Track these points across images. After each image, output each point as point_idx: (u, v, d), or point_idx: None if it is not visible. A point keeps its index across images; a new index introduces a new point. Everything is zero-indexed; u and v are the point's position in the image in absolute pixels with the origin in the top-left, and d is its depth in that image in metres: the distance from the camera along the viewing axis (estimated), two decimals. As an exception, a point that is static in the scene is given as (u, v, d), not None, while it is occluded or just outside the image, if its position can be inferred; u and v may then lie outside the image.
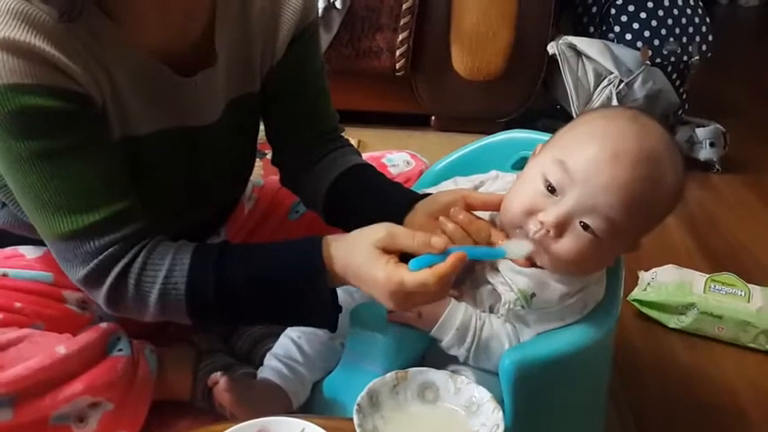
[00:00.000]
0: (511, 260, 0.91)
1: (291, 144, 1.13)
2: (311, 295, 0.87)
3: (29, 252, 1.03)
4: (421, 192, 1.09)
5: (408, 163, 1.37)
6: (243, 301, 0.88)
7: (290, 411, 0.97)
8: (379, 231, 0.84)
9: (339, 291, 1.04)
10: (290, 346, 1.01)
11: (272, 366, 1.00)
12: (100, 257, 0.85)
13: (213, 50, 0.97)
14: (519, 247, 0.87)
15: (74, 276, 0.88)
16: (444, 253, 0.81)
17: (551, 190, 0.86)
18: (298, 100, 1.10)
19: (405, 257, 0.83)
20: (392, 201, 1.01)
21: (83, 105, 0.84)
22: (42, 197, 0.84)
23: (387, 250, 0.83)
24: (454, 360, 0.94)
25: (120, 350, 0.99)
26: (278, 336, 1.05)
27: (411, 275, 0.80)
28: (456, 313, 0.92)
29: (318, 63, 1.12)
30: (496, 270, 0.93)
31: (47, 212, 0.84)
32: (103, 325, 1.00)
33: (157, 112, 0.94)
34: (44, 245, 0.99)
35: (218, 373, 0.95)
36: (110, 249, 0.86)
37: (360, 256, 0.83)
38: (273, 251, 0.91)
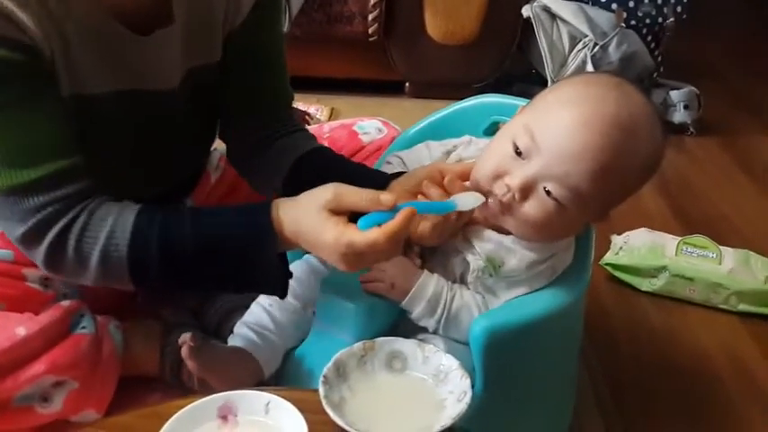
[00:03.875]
0: (481, 226, 0.91)
1: (243, 118, 1.10)
2: (258, 257, 0.84)
3: (-14, 230, 1.01)
4: (392, 155, 1.09)
5: (380, 130, 1.34)
6: (187, 261, 0.85)
7: (261, 379, 0.96)
8: (326, 192, 0.81)
9: (311, 258, 1.04)
10: (262, 314, 1.01)
11: (242, 334, 0.99)
12: (39, 216, 0.83)
13: (171, 11, 0.94)
14: (470, 198, 0.85)
15: (12, 234, 0.86)
16: (393, 209, 0.79)
17: (519, 153, 0.85)
18: (255, 69, 1.07)
19: (355, 218, 0.80)
20: (362, 181, 0.99)
21: (30, 58, 0.81)
22: None
23: (335, 211, 0.80)
24: (425, 329, 0.93)
25: (84, 328, 0.97)
26: (248, 308, 1.04)
27: (360, 236, 0.78)
28: (427, 285, 0.91)
29: (278, 33, 1.09)
30: (467, 239, 0.92)
31: None
32: (66, 303, 0.98)
33: (111, 71, 0.92)
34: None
35: (188, 335, 0.93)
36: (49, 208, 0.83)
37: (308, 219, 0.81)
38: (221, 212, 0.89)
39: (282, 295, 0.88)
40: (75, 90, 0.89)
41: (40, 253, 0.85)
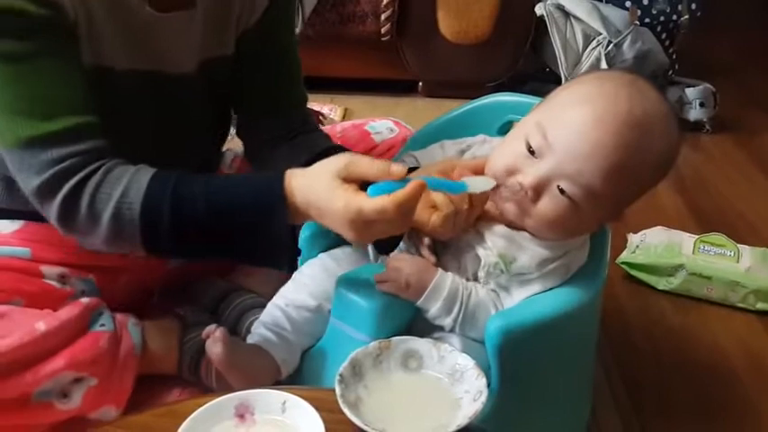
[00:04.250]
0: (494, 222, 0.90)
1: (258, 116, 1.11)
2: (268, 224, 0.85)
3: (5, 227, 1.01)
4: (406, 155, 1.09)
5: (392, 130, 1.35)
6: (198, 225, 0.86)
7: (278, 379, 0.96)
8: (339, 161, 0.82)
9: (326, 257, 1.04)
10: (278, 314, 1.01)
11: (259, 334, 1.00)
12: (56, 168, 0.84)
13: None
14: (482, 182, 0.85)
15: (27, 186, 0.86)
16: (404, 181, 0.79)
17: (532, 152, 0.85)
18: (269, 68, 1.08)
19: (366, 188, 0.81)
20: None
21: (55, 14, 0.83)
22: (2, 100, 0.83)
23: (347, 180, 0.81)
24: (441, 328, 0.93)
25: (103, 325, 0.98)
26: (264, 307, 1.04)
27: (369, 202, 0.78)
28: (443, 284, 0.91)
29: (292, 34, 1.11)
30: (480, 234, 0.92)
31: (5, 116, 0.83)
32: (85, 300, 0.98)
33: (130, 46, 0.93)
34: (20, 217, 0.97)
35: (214, 326, 0.93)
36: (67, 161, 0.84)
37: (319, 185, 0.82)
38: (235, 179, 0.91)
39: (290, 270, 0.89)
40: (95, 60, 0.90)
41: (53, 206, 0.86)
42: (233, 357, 0.92)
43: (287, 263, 0.89)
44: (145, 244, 0.87)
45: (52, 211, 0.86)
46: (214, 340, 0.91)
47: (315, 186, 0.82)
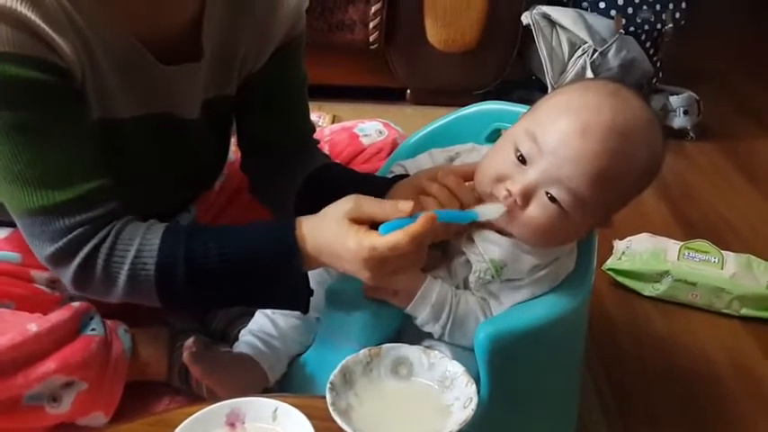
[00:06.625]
0: (485, 228, 0.91)
1: (268, 153, 1.12)
2: (283, 275, 0.86)
3: (-6, 233, 1.01)
4: (396, 164, 1.09)
5: (381, 132, 1.35)
6: (213, 280, 0.86)
7: (266, 386, 0.97)
8: (346, 203, 0.82)
9: (314, 267, 1.04)
10: (265, 321, 1.01)
11: (246, 341, 1.00)
12: (69, 236, 0.83)
13: (200, 46, 0.95)
14: (492, 209, 0.86)
15: (40, 254, 0.86)
16: (414, 216, 0.79)
17: (522, 160, 0.86)
18: (276, 110, 1.09)
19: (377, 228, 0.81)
20: (370, 187, 0.99)
21: (62, 79, 0.82)
22: (13, 169, 0.81)
23: (357, 221, 0.81)
24: (430, 335, 0.94)
25: (93, 329, 0.98)
26: (252, 314, 1.04)
27: (383, 239, 0.78)
28: (431, 290, 0.91)
29: (300, 76, 1.11)
30: (471, 240, 0.93)
31: (17, 185, 0.82)
32: (75, 304, 0.98)
33: (139, 97, 0.93)
34: (11, 226, 0.97)
35: (191, 339, 0.92)
36: (80, 229, 0.84)
37: (330, 229, 0.82)
38: (246, 231, 0.89)
39: (305, 311, 0.89)
40: (102, 112, 0.90)
41: (68, 273, 0.85)
42: (215, 369, 0.92)
43: (302, 304, 0.89)
44: (162, 300, 0.87)
45: (67, 277, 0.86)
46: (190, 356, 0.91)
47: (326, 230, 0.82)
